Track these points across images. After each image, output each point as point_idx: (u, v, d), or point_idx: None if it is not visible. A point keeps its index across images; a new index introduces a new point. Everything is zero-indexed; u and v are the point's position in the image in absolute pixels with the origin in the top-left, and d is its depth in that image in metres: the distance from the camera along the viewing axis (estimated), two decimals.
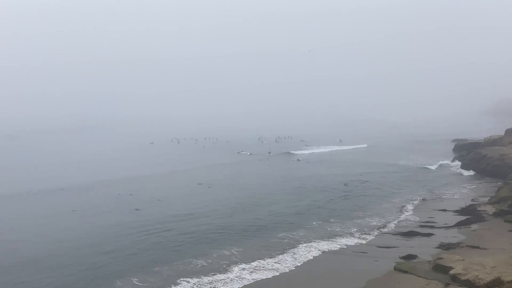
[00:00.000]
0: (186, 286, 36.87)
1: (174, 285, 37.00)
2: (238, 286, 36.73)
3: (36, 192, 75.58)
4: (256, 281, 37.77)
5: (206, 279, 38.16)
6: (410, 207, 64.63)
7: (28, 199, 71.00)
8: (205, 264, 41.70)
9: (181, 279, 38.16)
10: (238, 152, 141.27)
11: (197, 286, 36.82)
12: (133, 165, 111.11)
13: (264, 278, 38.40)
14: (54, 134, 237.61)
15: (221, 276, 38.70)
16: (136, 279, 38.10)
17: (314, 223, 55.99)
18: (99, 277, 38.75)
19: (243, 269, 40.21)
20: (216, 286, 36.80)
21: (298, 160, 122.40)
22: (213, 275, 38.98)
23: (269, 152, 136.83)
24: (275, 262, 41.91)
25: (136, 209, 63.71)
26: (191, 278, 38.34)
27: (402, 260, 41.35)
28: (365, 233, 51.16)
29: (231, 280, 37.96)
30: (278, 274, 39.25)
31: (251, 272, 39.52)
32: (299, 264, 41.62)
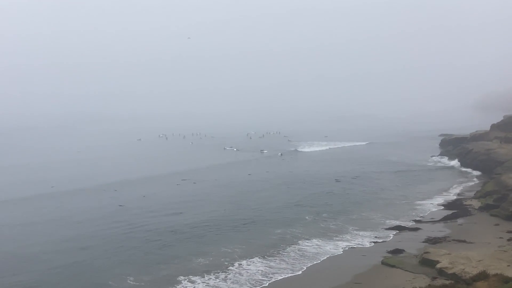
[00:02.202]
0: (190, 286, 35.70)
1: (176, 284, 35.88)
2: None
3: (17, 196, 71.95)
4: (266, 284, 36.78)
5: (210, 278, 36.94)
6: (397, 202, 64.99)
7: (13, 203, 67.50)
8: (206, 262, 40.59)
9: (181, 277, 37.04)
10: (224, 149, 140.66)
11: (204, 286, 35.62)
12: (118, 163, 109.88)
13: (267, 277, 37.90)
14: (41, 131, 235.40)
15: (230, 276, 37.54)
16: (131, 278, 36.89)
17: (307, 217, 56.20)
18: (89, 277, 37.49)
19: (245, 269, 39.08)
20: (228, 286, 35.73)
21: (281, 154, 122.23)
22: (217, 273, 37.96)
23: (262, 150, 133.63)
24: (269, 260, 41.86)
25: (120, 205, 63.12)
26: (193, 276, 37.19)
27: (389, 255, 41.60)
28: (355, 230, 51.26)
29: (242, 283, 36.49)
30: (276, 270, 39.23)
31: (258, 273, 38.12)
32: (291, 262, 41.65)
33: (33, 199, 68.92)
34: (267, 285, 36.04)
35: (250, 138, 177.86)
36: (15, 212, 61.04)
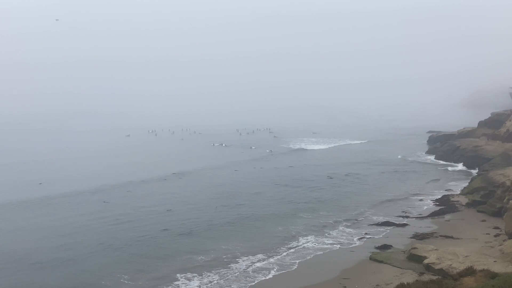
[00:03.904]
0: (188, 284, 35.26)
1: (174, 281, 35.44)
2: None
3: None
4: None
5: (209, 275, 36.74)
6: (385, 198, 65.19)
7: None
8: (201, 259, 40.24)
9: (178, 275, 36.54)
10: (213, 145, 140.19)
11: (204, 285, 35.17)
12: (105, 159, 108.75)
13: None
14: (27, 127, 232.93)
15: (225, 272, 37.35)
16: (125, 277, 36.14)
17: (296, 213, 56.28)
18: (79, 277, 36.40)
19: (239, 266, 38.97)
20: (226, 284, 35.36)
21: (270, 151, 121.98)
22: (213, 270, 37.67)
23: (251, 147, 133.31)
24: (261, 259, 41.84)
25: (105, 202, 62.27)
26: (191, 273, 36.83)
27: (377, 250, 41.78)
28: (344, 226, 51.39)
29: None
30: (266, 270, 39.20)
31: (251, 270, 38.13)
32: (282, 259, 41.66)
33: (18, 199, 67.47)
34: (258, 282, 36.04)
35: (240, 134, 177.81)
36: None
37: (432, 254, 37.45)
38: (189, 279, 36.09)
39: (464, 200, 60.82)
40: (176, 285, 35.23)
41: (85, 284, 35.38)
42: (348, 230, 49.52)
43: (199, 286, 35.00)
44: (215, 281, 35.82)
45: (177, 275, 36.81)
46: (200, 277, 36.57)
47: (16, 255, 41.84)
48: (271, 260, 40.54)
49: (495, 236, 45.01)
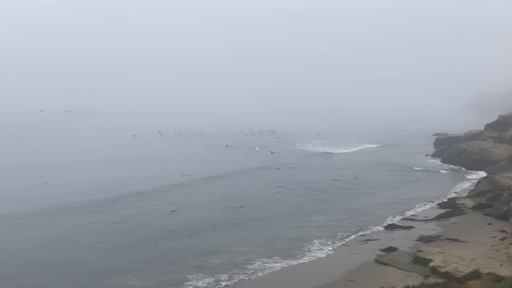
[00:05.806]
0: (199, 285, 35.30)
1: (186, 281, 35.49)
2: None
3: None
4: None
5: (222, 276, 36.93)
6: (391, 201, 65.03)
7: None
8: (219, 260, 40.36)
9: (189, 275, 36.61)
10: (218, 145, 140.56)
11: (215, 285, 35.33)
12: (114, 159, 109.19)
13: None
14: (34, 127, 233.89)
15: (236, 272, 37.58)
16: (135, 278, 36.15)
17: (299, 214, 56.37)
18: (90, 278, 36.39)
19: (244, 266, 39.25)
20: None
21: (271, 152, 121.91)
22: (223, 272, 37.62)
23: (255, 148, 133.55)
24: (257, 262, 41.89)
25: (112, 201, 62.40)
26: (203, 274, 36.96)
27: (383, 253, 41.71)
28: (348, 227, 51.36)
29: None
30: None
31: (255, 270, 38.34)
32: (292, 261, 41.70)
33: (26, 200, 67.82)
34: (264, 282, 36.18)
35: (246, 135, 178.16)
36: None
37: (438, 257, 37.35)
38: (199, 279, 36.20)
39: (470, 203, 60.57)
40: (187, 285, 35.34)
41: (95, 285, 35.42)
42: (353, 231, 49.41)
43: (210, 286, 35.22)
44: (226, 282, 35.95)
45: (188, 275, 36.90)
46: (212, 278, 36.59)
47: (24, 256, 41.98)
48: (277, 260, 40.60)
49: (501, 239, 44.80)
